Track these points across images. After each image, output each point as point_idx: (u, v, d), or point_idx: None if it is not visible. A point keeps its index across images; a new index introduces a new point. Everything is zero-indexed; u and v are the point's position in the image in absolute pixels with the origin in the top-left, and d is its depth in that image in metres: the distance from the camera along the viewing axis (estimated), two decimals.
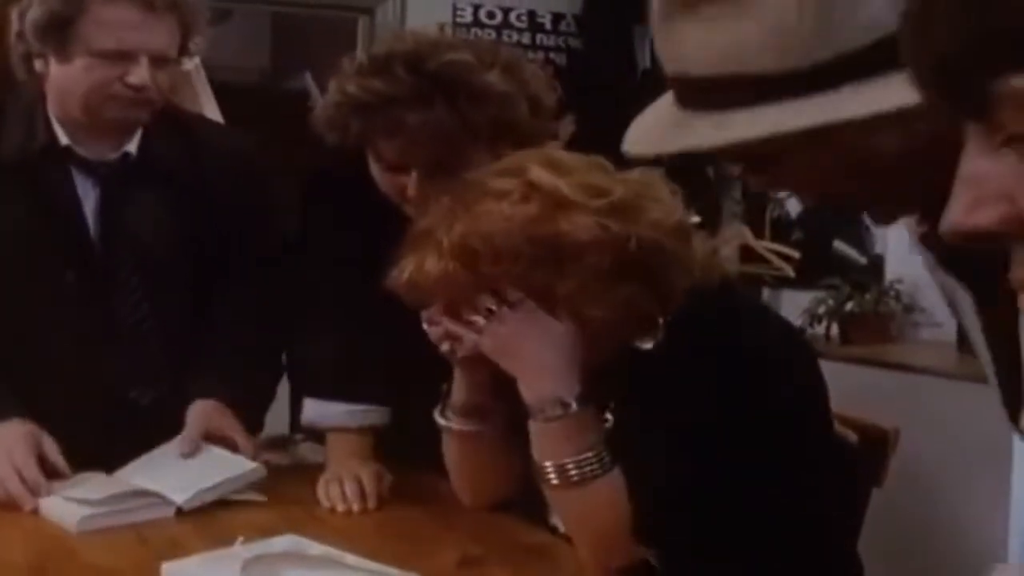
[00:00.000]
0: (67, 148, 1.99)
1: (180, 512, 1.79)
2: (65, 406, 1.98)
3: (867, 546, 1.69)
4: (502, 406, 1.64)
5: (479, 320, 1.51)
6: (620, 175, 1.50)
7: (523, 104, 1.81)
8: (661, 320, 1.49)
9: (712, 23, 1.07)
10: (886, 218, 1.24)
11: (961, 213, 0.58)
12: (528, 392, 1.50)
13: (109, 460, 1.93)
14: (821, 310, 3.54)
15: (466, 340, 1.54)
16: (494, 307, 1.49)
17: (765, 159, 1.13)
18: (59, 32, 1.89)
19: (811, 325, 3.52)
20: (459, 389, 1.68)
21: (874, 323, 3.47)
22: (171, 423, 1.99)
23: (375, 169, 1.89)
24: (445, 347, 1.58)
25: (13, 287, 1.99)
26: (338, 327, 2.02)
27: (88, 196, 2.02)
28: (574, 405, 1.46)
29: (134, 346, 2.06)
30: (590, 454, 1.46)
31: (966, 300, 1.16)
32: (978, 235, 0.58)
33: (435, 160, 1.80)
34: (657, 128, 1.20)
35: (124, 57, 1.89)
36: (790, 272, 3.88)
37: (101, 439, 1.98)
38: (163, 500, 1.79)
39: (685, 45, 1.10)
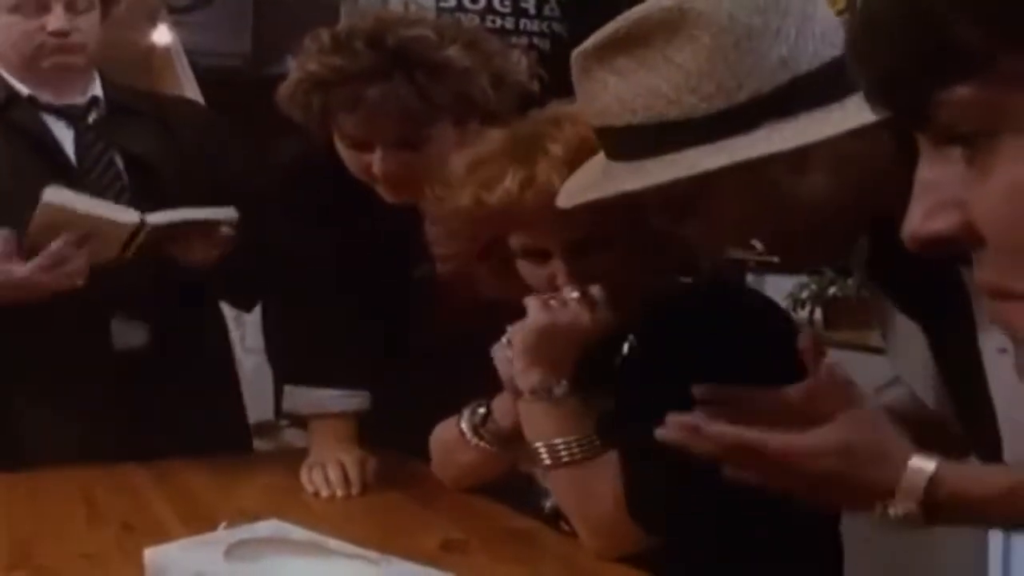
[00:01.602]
0: (31, 97, 2.12)
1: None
2: (55, 348, 2.03)
3: (846, 533, 1.70)
4: None
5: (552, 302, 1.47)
6: None
7: (484, 79, 1.81)
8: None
9: (629, 75, 1.10)
10: (810, 265, 1.29)
11: (918, 220, 0.59)
12: (527, 373, 1.50)
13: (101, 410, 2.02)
14: (804, 295, 3.55)
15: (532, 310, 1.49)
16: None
17: (687, 206, 1.14)
18: None
19: (794, 310, 3.52)
20: (507, 416, 1.64)
21: (857, 308, 3.47)
22: (163, 374, 2.06)
23: (341, 149, 1.88)
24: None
25: (3, 223, 2.01)
26: (315, 313, 2.02)
27: (65, 137, 2.13)
28: (565, 386, 1.48)
29: (125, 275, 2.06)
30: (581, 436, 1.47)
31: (918, 338, 1.16)
32: (937, 241, 0.58)
33: (397, 135, 1.80)
34: (585, 181, 1.22)
35: (39, 6, 2.05)
36: (773, 257, 3.89)
37: (94, 384, 2.05)
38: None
39: (605, 98, 1.12)
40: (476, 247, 1.57)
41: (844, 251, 1.23)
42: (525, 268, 1.52)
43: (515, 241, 1.51)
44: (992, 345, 1.06)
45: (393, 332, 2.00)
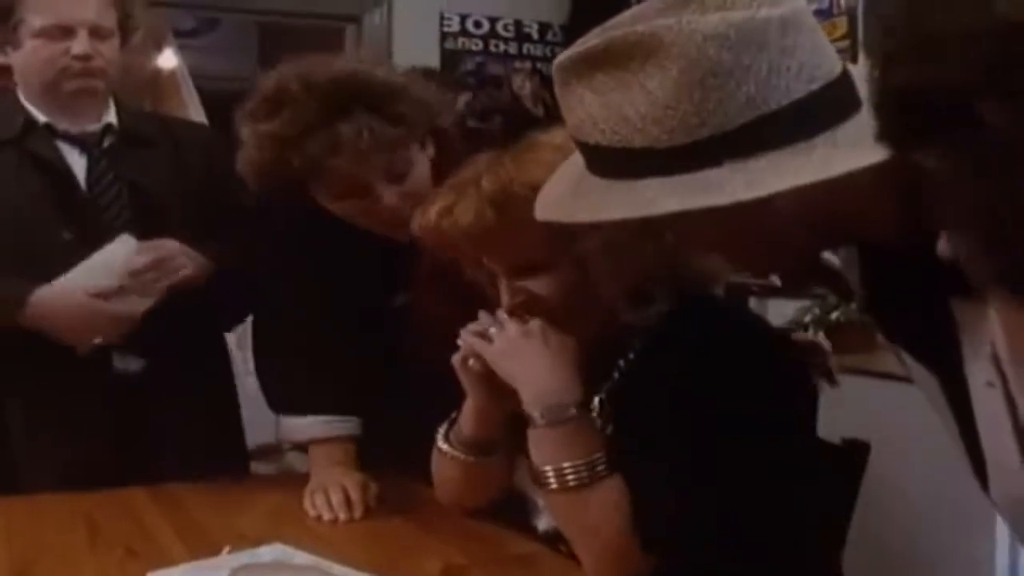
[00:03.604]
0: (47, 124, 2.17)
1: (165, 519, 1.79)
2: (56, 374, 2.07)
3: (850, 557, 1.70)
4: (505, 438, 1.67)
5: (490, 330, 1.55)
6: None
7: (424, 94, 1.87)
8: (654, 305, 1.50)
9: (605, 94, 1.09)
10: (792, 287, 1.30)
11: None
12: (528, 397, 1.50)
13: (99, 433, 2.07)
14: (807, 319, 3.54)
15: (476, 346, 1.56)
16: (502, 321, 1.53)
17: (658, 222, 1.13)
18: (4, 22, 2.12)
19: None
20: (468, 422, 1.69)
21: (860, 332, 3.47)
22: (160, 398, 2.11)
23: (335, 205, 1.89)
24: (468, 362, 1.60)
25: (13, 248, 2.09)
26: (299, 344, 2.04)
27: (77, 164, 2.18)
28: (574, 410, 1.47)
29: None
30: (589, 459, 1.46)
31: (930, 380, 1.16)
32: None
33: (387, 165, 1.82)
34: (558, 192, 1.24)
35: (64, 32, 2.11)
36: (776, 281, 3.89)
37: (92, 407, 2.09)
38: None
39: (582, 113, 1.12)
40: (468, 262, 1.62)
41: (810, 265, 1.23)
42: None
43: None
44: (981, 379, 1.05)
45: (375, 359, 2.02)
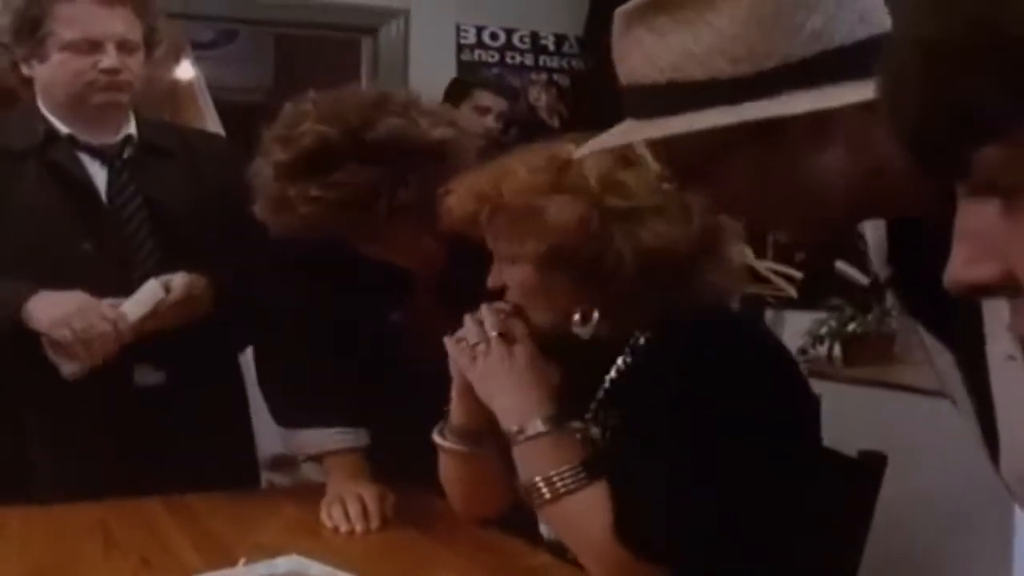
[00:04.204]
0: (70, 136, 2.18)
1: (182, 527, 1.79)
2: (64, 389, 2.06)
3: (864, 567, 1.69)
4: (497, 430, 1.67)
5: (479, 346, 1.60)
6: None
7: (437, 131, 1.83)
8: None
9: (665, 34, 1.12)
10: (813, 238, 1.31)
11: (959, 269, 0.59)
12: (503, 420, 1.56)
13: (111, 445, 2.07)
14: (823, 331, 3.54)
15: (461, 365, 1.63)
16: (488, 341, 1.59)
17: (705, 168, 1.16)
18: (31, 35, 2.13)
19: (813, 346, 3.51)
20: (457, 413, 1.71)
21: (876, 344, 3.46)
22: (175, 410, 2.11)
23: (375, 252, 1.90)
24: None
25: (35, 260, 2.10)
26: (301, 359, 2.05)
27: (98, 175, 2.19)
28: (541, 426, 1.52)
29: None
30: (569, 467, 1.49)
31: (944, 356, 1.16)
32: (978, 289, 0.59)
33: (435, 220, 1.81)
34: (605, 137, 1.25)
35: (93, 46, 2.12)
36: (792, 293, 3.87)
37: (107, 421, 2.11)
38: None
39: (639, 55, 1.14)
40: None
41: (840, 236, 1.24)
42: None
43: None
44: (1001, 351, 1.06)
45: (375, 374, 2.02)
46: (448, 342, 1.63)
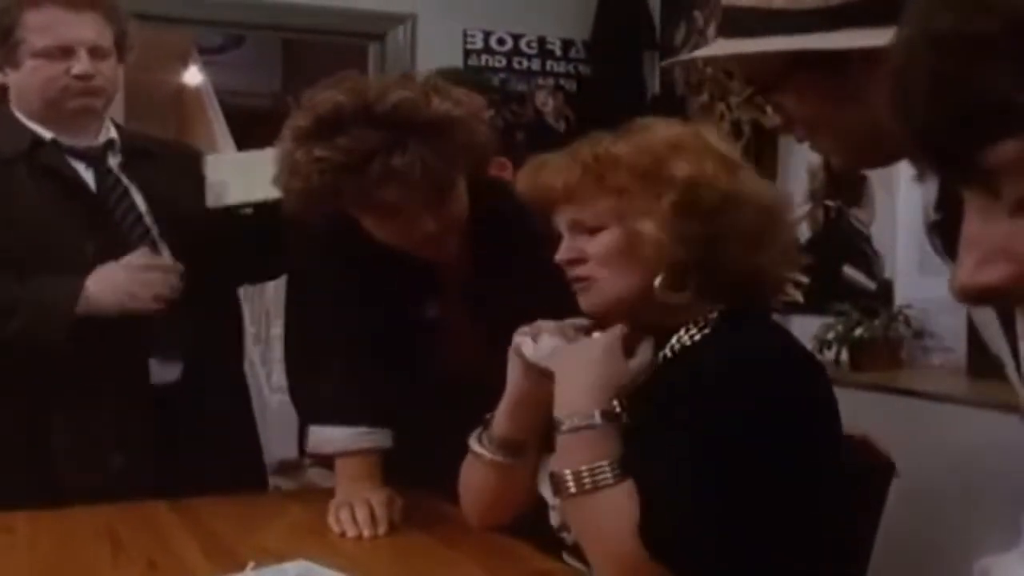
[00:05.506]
0: (55, 140, 2.22)
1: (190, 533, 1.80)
2: (85, 387, 2.10)
3: (873, 571, 1.69)
4: (535, 441, 1.69)
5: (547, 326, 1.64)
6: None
7: (478, 125, 1.87)
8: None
9: None
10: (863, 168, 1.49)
11: (968, 273, 0.59)
12: (561, 401, 1.53)
13: (127, 443, 2.11)
14: (830, 336, 3.53)
15: (529, 341, 1.64)
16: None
17: (771, 85, 1.33)
18: (3, 43, 2.19)
19: (820, 351, 3.51)
20: (503, 424, 1.71)
21: (884, 349, 3.45)
22: (190, 409, 2.14)
23: (374, 224, 1.89)
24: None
25: (41, 261, 2.11)
26: (333, 353, 2.04)
27: (87, 177, 2.23)
28: (598, 419, 1.50)
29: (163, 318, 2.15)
30: (604, 463, 1.47)
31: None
32: (987, 293, 0.59)
33: (428, 196, 1.82)
34: (702, 50, 1.49)
35: (64, 52, 2.16)
36: (799, 298, 3.87)
37: (120, 419, 2.13)
38: None
39: None
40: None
41: (893, 161, 1.35)
42: None
43: None
44: None
45: (404, 373, 2.02)
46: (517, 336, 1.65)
